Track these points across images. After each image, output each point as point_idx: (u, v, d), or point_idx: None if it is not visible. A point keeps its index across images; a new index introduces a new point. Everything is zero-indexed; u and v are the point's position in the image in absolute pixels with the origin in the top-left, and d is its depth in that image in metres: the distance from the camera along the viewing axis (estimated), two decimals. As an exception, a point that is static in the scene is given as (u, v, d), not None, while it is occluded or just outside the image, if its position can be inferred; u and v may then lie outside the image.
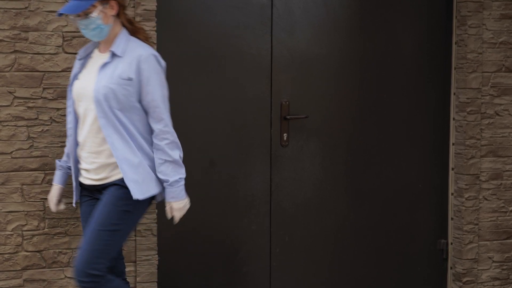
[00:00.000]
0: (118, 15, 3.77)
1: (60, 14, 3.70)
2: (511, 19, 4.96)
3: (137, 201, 3.67)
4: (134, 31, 3.82)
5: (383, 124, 4.99)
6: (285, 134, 4.80)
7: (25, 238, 4.25)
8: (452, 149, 5.05)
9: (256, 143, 4.78)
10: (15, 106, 4.18)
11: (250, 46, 4.74)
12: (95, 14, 3.66)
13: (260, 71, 4.77)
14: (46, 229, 4.27)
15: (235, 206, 4.77)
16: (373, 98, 4.96)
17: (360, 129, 4.95)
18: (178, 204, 3.79)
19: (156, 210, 4.41)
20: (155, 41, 4.33)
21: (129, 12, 4.28)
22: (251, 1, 4.73)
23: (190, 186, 4.65)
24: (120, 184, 3.68)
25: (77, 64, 3.84)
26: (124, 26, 3.80)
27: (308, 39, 4.83)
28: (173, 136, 3.75)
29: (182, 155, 3.78)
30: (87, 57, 3.85)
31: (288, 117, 4.77)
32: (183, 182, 3.79)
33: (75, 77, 3.81)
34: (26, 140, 4.21)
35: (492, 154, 5.00)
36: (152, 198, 3.79)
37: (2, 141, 4.18)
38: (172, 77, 4.57)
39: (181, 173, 3.78)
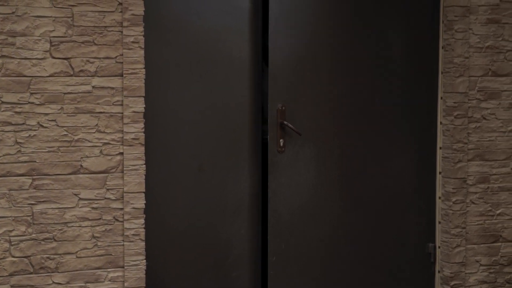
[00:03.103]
0: None
1: None
2: (498, 23, 4.99)
3: None
4: None
5: (373, 128, 4.99)
6: (281, 140, 4.78)
7: (12, 243, 4.24)
8: (439, 153, 5.07)
9: (245, 148, 4.78)
10: (2, 111, 4.17)
11: (240, 51, 4.74)
12: None
13: (250, 75, 4.77)
14: (33, 235, 4.26)
15: (224, 211, 4.77)
16: (364, 103, 4.96)
17: (353, 134, 4.95)
18: None
19: (144, 215, 4.41)
20: (143, 46, 4.33)
21: (117, 17, 4.28)
22: (240, 5, 4.73)
23: (180, 191, 4.66)
24: None
25: None
26: None
27: (300, 45, 4.82)
28: None
29: None
30: None
31: (285, 123, 4.73)
32: None
33: None
34: (13, 146, 4.20)
35: (479, 158, 5.02)
36: None
37: (-11, 147, 4.18)
38: (161, 82, 4.58)
39: None
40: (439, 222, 5.09)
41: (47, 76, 4.22)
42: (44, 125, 4.24)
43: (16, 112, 4.19)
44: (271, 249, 4.82)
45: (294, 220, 4.87)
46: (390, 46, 4.99)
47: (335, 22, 4.90)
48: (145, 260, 4.44)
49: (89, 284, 4.36)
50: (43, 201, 4.26)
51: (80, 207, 4.32)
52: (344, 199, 4.96)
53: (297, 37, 4.82)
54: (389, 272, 5.09)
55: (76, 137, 4.28)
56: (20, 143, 4.20)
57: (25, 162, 4.22)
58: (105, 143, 4.33)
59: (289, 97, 4.80)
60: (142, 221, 4.41)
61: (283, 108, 4.76)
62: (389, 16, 4.97)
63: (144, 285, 4.44)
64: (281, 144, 4.77)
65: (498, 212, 5.10)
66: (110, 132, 4.33)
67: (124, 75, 4.32)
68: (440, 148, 5.06)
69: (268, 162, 4.77)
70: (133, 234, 4.39)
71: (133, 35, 4.31)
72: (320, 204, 4.92)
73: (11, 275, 4.25)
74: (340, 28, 4.91)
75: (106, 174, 4.34)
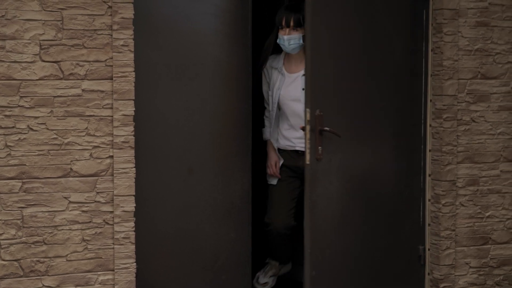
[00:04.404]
0: None
1: None
2: (486, 26, 5.01)
3: None
4: None
5: (376, 132, 4.92)
6: (320, 148, 4.57)
7: (2, 247, 4.23)
8: (429, 156, 5.08)
9: (235, 151, 4.79)
10: (-8, 114, 4.18)
11: (229, 54, 4.75)
12: None
13: (240, 79, 4.78)
14: (23, 238, 4.25)
15: (213, 214, 4.77)
16: (365, 106, 4.88)
17: (360, 137, 4.86)
18: None
19: (134, 218, 4.41)
20: (133, 49, 4.33)
21: (106, 20, 4.29)
22: (230, 9, 4.74)
23: (170, 194, 4.67)
24: None
25: None
26: None
27: (333, 50, 4.71)
28: None
29: None
30: None
31: (326, 128, 4.55)
32: None
33: None
34: (3, 149, 4.19)
35: (469, 161, 5.04)
36: None
37: (-21, 150, 4.18)
38: (150, 85, 4.59)
39: None
40: (429, 225, 5.11)
41: (36, 80, 4.22)
42: (34, 128, 4.24)
43: (5, 116, 4.18)
44: (311, 263, 4.64)
45: (328, 231, 4.75)
46: (384, 50, 4.95)
47: (357, 27, 4.82)
48: (135, 263, 4.44)
49: (79, 287, 4.35)
50: (33, 205, 4.26)
51: (70, 210, 4.32)
52: (361, 206, 4.88)
53: (334, 44, 4.71)
54: (381, 275, 5.09)
55: (66, 140, 4.29)
56: (10, 146, 4.20)
57: (15, 165, 4.22)
58: (95, 146, 4.33)
59: (324, 103, 4.63)
60: (132, 224, 4.41)
61: (321, 114, 4.56)
62: (381, 20, 4.96)
63: (134, 288, 4.45)
64: (320, 151, 4.57)
65: (487, 214, 5.11)
66: (100, 135, 4.33)
67: (114, 78, 4.32)
68: (430, 150, 5.07)
69: (308, 171, 4.56)
70: (123, 237, 4.39)
71: (122, 38, 4.31)
72: (345, 213, 4.82)
73: (1, 278, 4.24)
74: (358, 33, 4.83)
75: (96, 177, 4.34)
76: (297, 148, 5.10)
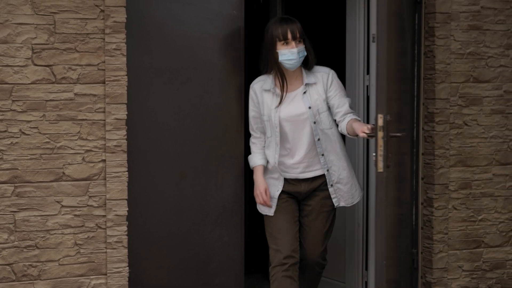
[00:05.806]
0: None
1: None
2: (479, 30, 5.02)
3: None
4: None
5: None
6: (389, 154, 4.24)
7: (-6, 251, 4.23)
8: (421, 159, 5.09)
9: (227, 154, 4.79)
10: (-16, 118, 4.17)
11: (221, 58, 4.75)
12: None
13: (232, 82, 4.78)
14: (15, 242, 4.25)
15: (206, 217, 4.77)
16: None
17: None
18: None
19: (127, 222, 4.41)
20: (125, 53, 4.33)
21: (99, 24, 4.29)
22: (222, 12, 4.74)
23: (162, 198, 4.67)
24: None
25: None
26: None
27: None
28: None
29: None
30: None
31: (398, 134, 4.30)
32: None
33: None
34: (-5, 153, 4.20)
35: (461, 164, 5.05)
36: None
37: (-29, 154, 4.17)
38: (143, 89, 4.59)
39: None
40: (422, 228, 5.11)
41: (29, 84, 4.22)
42: (26, 132, 4.23)
43: (-2, 120, 4.19)
44: (388, 274, 4.51)
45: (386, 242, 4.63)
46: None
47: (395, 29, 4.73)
48: (128, 267, 4.44)
49: (71, 291, 4.36)
50: (25, 209, 4.25)
51: (63, 215, 4.32)
52: (394, 210, 4.81)
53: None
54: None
55: (58, 144, 4.28)
56: (2, 150, 4.20)
57: (7, 169, 4.21)
58: (87, 150, 4.33)
59: (390, 108, 4.42)
60: (125, 228, 4.40)
61: (391, 119, 4.24)
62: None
63: (127, 292, 4.45)
64: (390, 158, 4.25)
65: (480, 217, 5.12)
66: (93, 139, 4.33)
67: (106, 82, 4.32)
68: (422, 154, 5.08)
69: (381, 179, 4.38)
70: (116, 241, 4.39)
71: (115, 42, 4.31)
72: (394, 221, 4.73)
73: (-7, 283, 4.24)
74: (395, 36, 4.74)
75: (89, 181, 4.34)
76: (300, 177, 4.72)
